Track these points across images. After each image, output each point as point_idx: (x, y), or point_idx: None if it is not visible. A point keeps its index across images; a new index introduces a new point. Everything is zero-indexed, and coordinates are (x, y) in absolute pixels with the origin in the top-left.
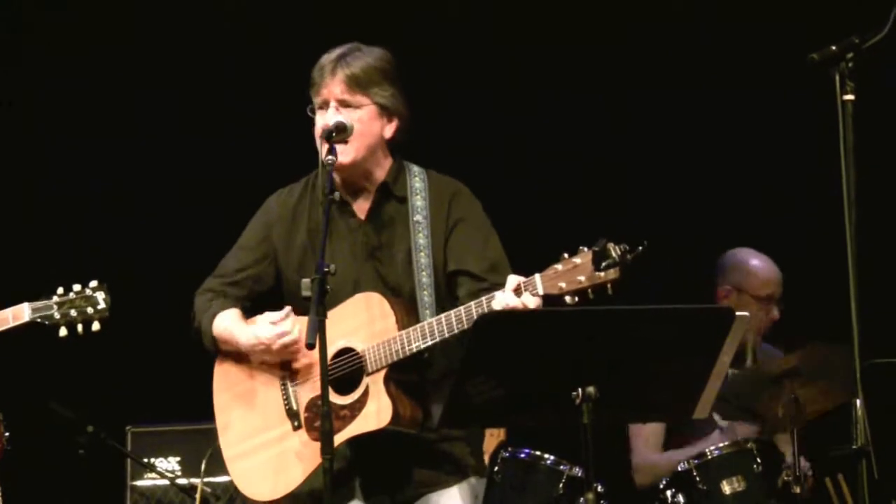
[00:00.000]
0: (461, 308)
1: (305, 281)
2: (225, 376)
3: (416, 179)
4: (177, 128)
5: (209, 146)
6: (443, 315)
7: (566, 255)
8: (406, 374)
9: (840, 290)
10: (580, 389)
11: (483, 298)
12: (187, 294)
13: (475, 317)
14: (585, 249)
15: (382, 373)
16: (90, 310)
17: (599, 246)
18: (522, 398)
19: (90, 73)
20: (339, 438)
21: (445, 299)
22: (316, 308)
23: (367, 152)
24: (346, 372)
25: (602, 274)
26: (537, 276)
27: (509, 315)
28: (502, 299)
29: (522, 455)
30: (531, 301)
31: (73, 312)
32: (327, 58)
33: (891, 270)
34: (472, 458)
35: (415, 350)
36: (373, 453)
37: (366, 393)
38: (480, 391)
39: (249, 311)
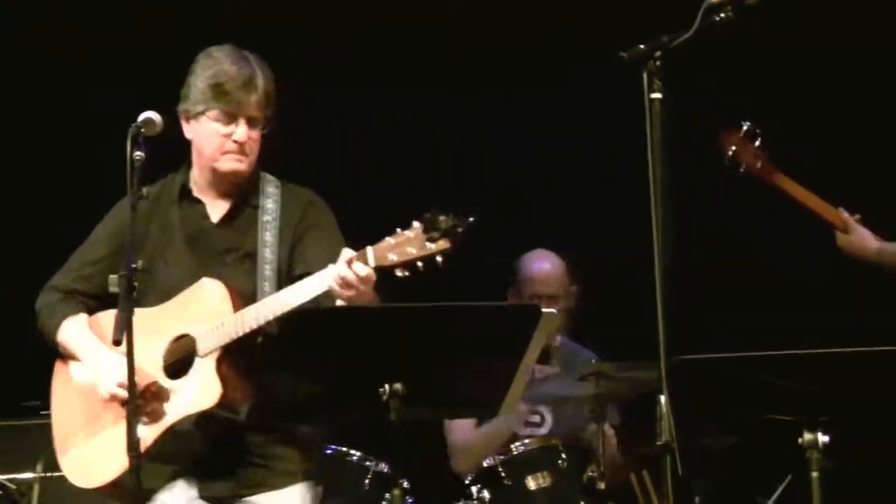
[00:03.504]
0: (296, 284)
1: (113, 277)
2: (63, 371)
3: (271, 185)
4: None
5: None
6: (277, 293)
7: (399, 230)
8: (240, 358)
9: (647, 287)
10: (387, 386)
11: (316, 274)
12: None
13: (308, 292)
14: (417, 222)
15: (214, 355)
16: None
17: (429, 217)
18: (330, 395)
19: None
20: (167, 421)
21: None
22: (123, 304)
23: (253, 169)
24: (178, 357)
25: (432, 245)
26: (369, 249)
27: (317, 312)
28: (335, 270)
29: (328, 451)
30: (362, 270)
31: None
32: (236, 70)
33: (696, 267)
34: (304, 463)
35: (248, 330)
36: (201, 446)
37: (197, 375)
38: (289, 388)
39: (95, 311)
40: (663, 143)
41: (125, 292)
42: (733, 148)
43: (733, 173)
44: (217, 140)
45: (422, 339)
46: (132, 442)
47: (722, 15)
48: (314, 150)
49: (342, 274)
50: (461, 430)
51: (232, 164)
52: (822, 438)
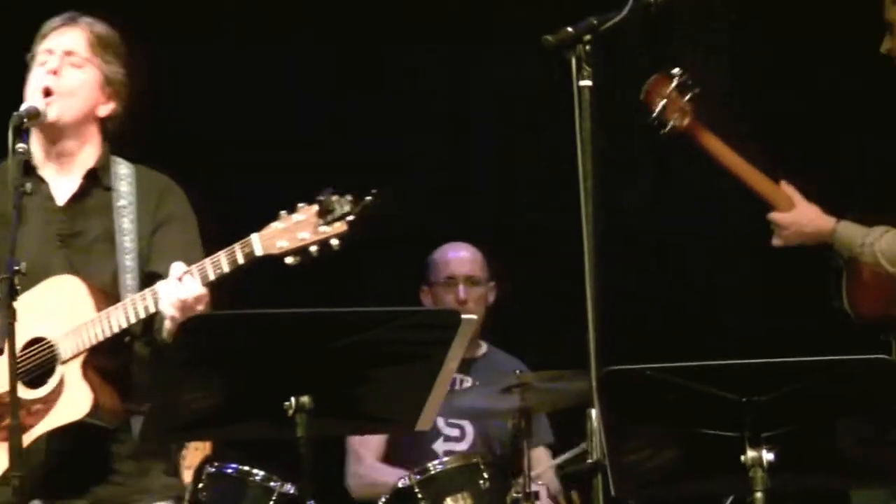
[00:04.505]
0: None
1: None
2: None
3: (122, 167)
4: None
5: None
6: (146, 290)
7: (284, 213)
8: (108, 361)
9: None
10: (294, 399)
11: (147, 291)
12: None
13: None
14: (306, 205)
15: (80, 359)
16: None
17: (324, 198)
18: (232, 409)
19: None
20: (32, 435)
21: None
22: (4, 310)
23: (74, 117)
24: (35, 364)
25: (328, 229)
26: (254, 237)
27: (215, 318)
28: (165, 290)
29: (229, 470)
30: (194, 288)
31: None
32: (58, 17)
33: (632, 272)
34: (167, 478)
35: (116, 330)
36: (56, 461)
37: (61, 383)
38: (186, 401)
39: None
40: (594, 134)
41: (6, 297)
42: (661, 100)
43: (659, 131)
44: (34, 80)
45: (332, 347)
46: (15, 460)
47: None
48: (310, 150)
49: (173, 294)
50: (367, 461)
51: (45, 80)
52: (767, 456)
